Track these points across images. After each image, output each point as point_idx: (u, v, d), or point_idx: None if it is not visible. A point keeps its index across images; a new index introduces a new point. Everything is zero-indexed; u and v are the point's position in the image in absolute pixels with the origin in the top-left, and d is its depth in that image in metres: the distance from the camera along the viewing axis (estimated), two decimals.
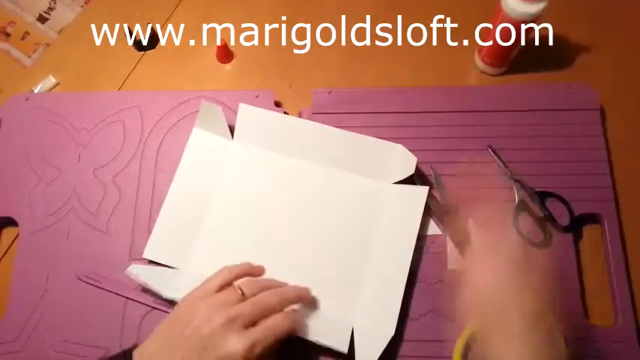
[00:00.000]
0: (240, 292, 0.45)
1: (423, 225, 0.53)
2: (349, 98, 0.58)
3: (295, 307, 0.48)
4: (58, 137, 0.58)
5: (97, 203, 0.56)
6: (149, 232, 0.54)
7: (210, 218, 0.54)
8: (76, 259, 0.54)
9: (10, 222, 0.56)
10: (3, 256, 0.56)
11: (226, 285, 0.46)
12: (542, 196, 0.53)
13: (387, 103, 0.58)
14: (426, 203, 0.53)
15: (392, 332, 0.48)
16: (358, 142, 0.54)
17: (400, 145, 0.53)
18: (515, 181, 0.54)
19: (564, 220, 0.53)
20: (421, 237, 0.53)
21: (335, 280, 0.51)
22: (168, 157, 0.57)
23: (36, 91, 0.62)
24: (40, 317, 0.52)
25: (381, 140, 0.54)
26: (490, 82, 0.61)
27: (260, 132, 0.56)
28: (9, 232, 0.57)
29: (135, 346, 0.44)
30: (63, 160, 0.57)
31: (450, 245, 0.53)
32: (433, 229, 0.54)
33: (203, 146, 0.56)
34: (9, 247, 0.56)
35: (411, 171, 0.52)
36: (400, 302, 0.49)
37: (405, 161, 0.52)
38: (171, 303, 0.49)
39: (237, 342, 0.41)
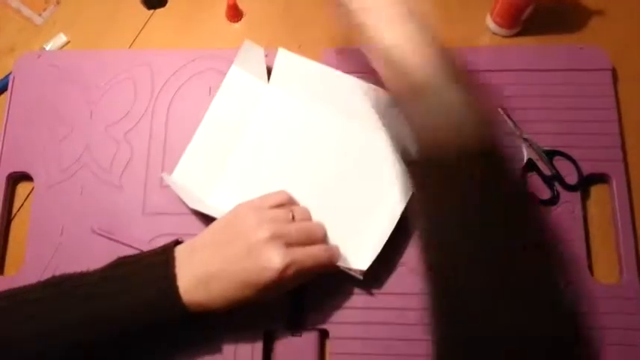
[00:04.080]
0: (291, 215, 0.48)
1: None
2: (359, 58, 0.58)
3: None
4: (69, 94, 0.59)
5: (110, 159, 0.56)
6: (162, 187, 0.55)
7: (237, 155, 0.55)
8: (90, 213, 0.55)
9: (25, 177, 0.57)
10: (19, 210, 0.57)
11: (281, 206, 0.48)
12: (551, 155, 0.53)
13: None
14: None
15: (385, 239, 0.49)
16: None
17: None
18: (525, 140, 0.54)
19: (572, 179, 0.53)
20: None
21: (349, 228, 0.52)
22: (179, 114, 0.58)
23: (47, 49, 0.62)
24: (55, 268, 0.53)
25: None
26: (501, 44, 0.60)
27: (296, 79, 0.56)
28: (24, 187, 0.58)
29: (178, 242, 0.46)
30: (75, 117, 0.58)
31: None
32: None
33: (239, 85, 0.57)
34: (24, 201, 0.57)
35: None
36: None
37: None
38: None
39: (277, 257, 0.43)
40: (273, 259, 0.43)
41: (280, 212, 0.48)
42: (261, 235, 0.44)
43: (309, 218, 0.50)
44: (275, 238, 0.44)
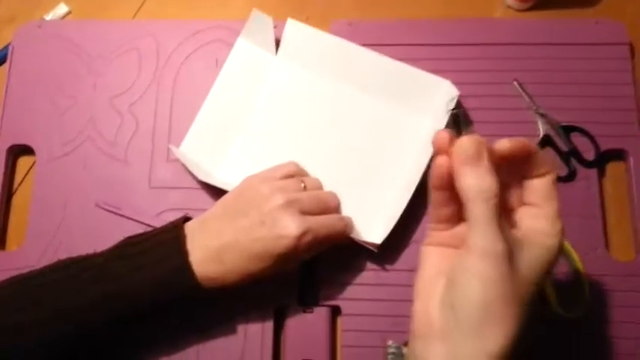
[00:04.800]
0: (302, 184, 0.46)
1: None
2: (369, 30, 0.57)
3: None
4: (72, 65, 0.57)
5: (114, 132, 0.55)
6: (168, 160, 0.53)
7: (245, 128, 0.54)
8: (94, 187, 0.53)
9: (27, 150, 0.56)
10: (20, 184, 0.56)
11: (290, 176, 0.47)
12: (568, 131, 0.52)
13: (408, 36, 0.56)
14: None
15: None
16: (405, 73, 0.53)
17: (447, 81, 0.52)
18: (541, 115, 0.53)
19: (589, 155, 0.52)
20: None
21: (362, 201, 0.51)
22: (185, 86, 0.56)
23: (47, 20, 0.60)
24: (58, 244, 0.52)
25: (428, 73, 0.52)
26: (515, 17, 0.59)
27: (305, 50, 0.55)
28: (25, 161, 0.56)
29: (187, 218, 0.45)
30: (78, 89, 0.56)
31: None
32: None
33: (246, 57, 0.56)
34: (25, 176, 0.56)
35: (452, 106, 0.51)
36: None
37: (449, 96, 0.51)
38: None
39: (292, 224, 0.42)
40: (289, 226, 0.42)
41: (291, 182, 0.46)
42: (275, 202, 0.43)
43: (320, 188, 0.49)
44: (288, 204, 0.43)
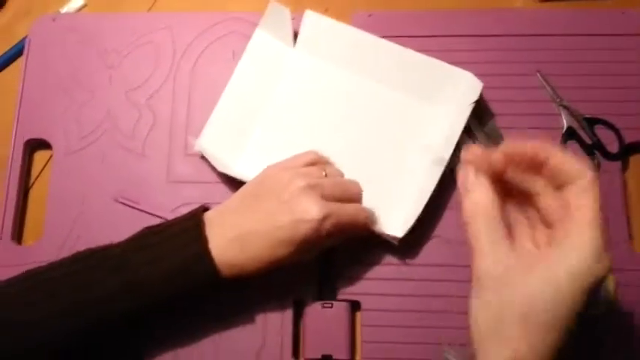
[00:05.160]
0: (324, 172, 0.46)
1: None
2: (389, 22, 0.56)
3: None
4: (88, 59, 0.57)
5: (132, 126, 0.54)
6: (186, 155, 0.53)
7: (263, 121, 0.53)
8: (112, 181, 0.53)
9: (43, 144, 0.55)
10: (36, 179, 0.55)
11: (311, 164, 0.47)
12: (592, 123, 0.52)
13: (429, 27, 0.55)
14: (470, 129, 0.51)
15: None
16: (426, 65, 0.52)
17: (469, 73, 0.51)
18: (564, 107, 0.52)
19: (613, 147, 0.51)
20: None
21: (383, 194, 0.50)
22: (202, 79, 0.55)
23: (63, 12, 0.60)
24: (76, 239, 0.51)
25: (451, 66, 0.51)
26: (536, 7, 0.58)
27: (324, 42, 0.54)
28: (41, 156, 0.56)
29: (205, 208, 0.45)
30: (94, 82, 0.56)
31: None
32: None
33: (264, 49, 0.55)
34: (42, 170, 0.56)
35: (475, 98, 0.50)
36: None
37: (471, 89, 0.50)
38: None
39: (314, 207, 0.41)
40: (311, 210, 0.41)
41: (313, 169, 0.46)
42: (295, 186, 0.42)
43: (342, 176, 0.49)
44: (309, 188, 0.42)
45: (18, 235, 0.53)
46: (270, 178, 0.45)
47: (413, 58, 0.52)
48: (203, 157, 0.52)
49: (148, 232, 0.44)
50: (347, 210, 0.44)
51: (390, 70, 0.53)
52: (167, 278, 0.41)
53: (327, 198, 0.43)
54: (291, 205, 0.42)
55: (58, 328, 0.41)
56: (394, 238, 0.47)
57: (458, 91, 0.51)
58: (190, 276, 0.41)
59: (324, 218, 0.41)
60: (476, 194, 0.34)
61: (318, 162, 0.48)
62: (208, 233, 0.42)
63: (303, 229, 0.41)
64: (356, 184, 0.48)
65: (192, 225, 0.43)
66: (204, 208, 0.45)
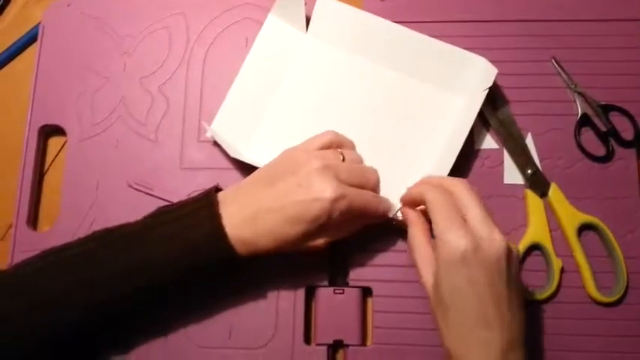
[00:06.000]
0: (341, 156, 0.46)
1: (479, 138, 0.52)
2: (402, 7, 0.56)
3: None
4: (102, 45, 0.57)
5: (145, 112, 0.54)
6: (199, 141, 0.53)
7: (276, 108, 0.53)
8: (125, 167, 0.53)
9: (57, 131, 0.56)
10: (51, 165, 0.56)
11: (329, 147, 0.47)
12: (606, 110, 0.51)
13: (442, 12, 0.55)
14: (484, 116, 0.51)
15: None
16: (439, 50, 0.51)
17: (483, 58, 0.50)
18: (579, 94, 0.51)
19: (628, 134, 0.51)
20: (477, 151, 0.52)
21: (395, 181, 0.50)
22: (215, 65, 0.55)
23: None
24: (91, 223, 0.52)
25: (464, 51, 0.51)
26: None
27: (337, 27, 0.54)
28: (55, 142, 0.57)
29: (218, 188, 0.46)
30: (108, 68, 0.56)
31: (507, 159, 0.51)
32: (489, 142, 0.52)
33: (276, 35, 0.55)
34: (56, 156, 0.56)
35: (489, 84, 0.49)
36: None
37: (485, 74, 0.50)
38: None
39: (329, 186, 0.42)
40: (325, 189, 0.41)
41: (330, 152, 0.46)
42: (312, 166, 0.43)
43: (360, 161, 0.49)
44: (325, 168, 0.43)
45: (33, 221, 0.54)
46: (287, 159, 0.45)
47: (426, 44, 0.52)
48: (216, 144, 0.53)
49: (163, 211, 0.45)
50: (362, 195, 0.44)
51: (404, 56, 0.52)
52: (181, 256, 0.42)
53: (342, 182, 0.43)
54: (306, 182, 0.42)
55: (73, 304, 0.42)
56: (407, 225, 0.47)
57: (472, 76, 0.51)
58: (204, 253, 0.42)
59: (337, 199, 0.41)
60: (412, 227, 0.44)
61: (337, 143, 0.48)
62: (222, 211, 0.42)
63: (317, 207, 0.41)
64: (373, 172, 0.48)
65: (205, 204, 0.43)
66: (217, 189, 0.46)
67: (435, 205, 0.40)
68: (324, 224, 0.42)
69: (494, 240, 0.38)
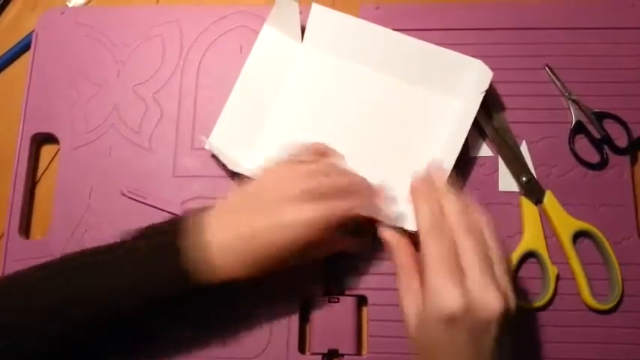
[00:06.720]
0: (324, 168, 0.45)
1: (474, 146, 0.52)
2: (397, 14, 0.56)
3: None
4: (95, 52, 0.57)
5: (139, 120, 0.54)
6: (192, 149, 0.53)
7: (274, 117, 0.53)
8: (118, 175, 0.53)
9: (50, 139, 0.56)
10: (44, 173, 0.56)
11: (316, 158, 0.46)
12: (600, 117, 0.51)
13: (437, 20, 0.55)
14: (479, 123, 0.51)
15: None
16: (434, 54, 0.52)
17: (478, 61, 0.50)
18: (573, 101, 0.52)
19: (622, 142, 0.51)
20: (472, 158, 0.52)
21: (393, 187, 0.49)
22: (209, 73, 0.55)
23: (70, 6, 0.60)
24: (84, 232, 0.52)
25: (459, 54, 0.51)
26: (546, 1, 0.57)
27: (332, 36, 0.54)
28: (48, 150, 0.56)
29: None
30: (102, 76, 0.56)
31: (502, 167, 0.51)
32: (484, 150, 0.52)
33: (272, 44, 0.55)
34: (49, 164, 0.56)
35: (485, 87, 0.49)
36: None
37: (481, 76, 0.50)
38: None
39: (307, 209, 0.41)
40: (306, 212, 0.41)
41: (312, 168, 0.45)
42: (293, 189, 0.42)
43: (343, 172, 0.47)
44: (307, 192, 0.42)
45: (25, 230, 0.54)
46: (269, 178, 0.44)
47: (421, 48, 0.52)
48: (213, 156, 0.52)
49: (146, 234, 0.44)
50: (342, 205, 0.42)
51: (399, 61, 0.52)
52: (165, 284, 0.41)
53: (325, 197, 0.42)
54: (287, 208, 0.41)
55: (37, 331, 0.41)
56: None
57: (468, 79, 0.51)
58: (191, 283, 0.41)
59: (319, 220, 0.41)
60: (398, 253, 0.42)
61: (321, 153, 0.47)
62: (210, 236, 0.41)
63: (293, 234, 0.41)
64: (359, 179, 0.46)
65: (193, 231, 0.42)
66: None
67: (434, 257, 0.38)
68: (307, 247, 0.41)
69: (488, 304, 0.35)
